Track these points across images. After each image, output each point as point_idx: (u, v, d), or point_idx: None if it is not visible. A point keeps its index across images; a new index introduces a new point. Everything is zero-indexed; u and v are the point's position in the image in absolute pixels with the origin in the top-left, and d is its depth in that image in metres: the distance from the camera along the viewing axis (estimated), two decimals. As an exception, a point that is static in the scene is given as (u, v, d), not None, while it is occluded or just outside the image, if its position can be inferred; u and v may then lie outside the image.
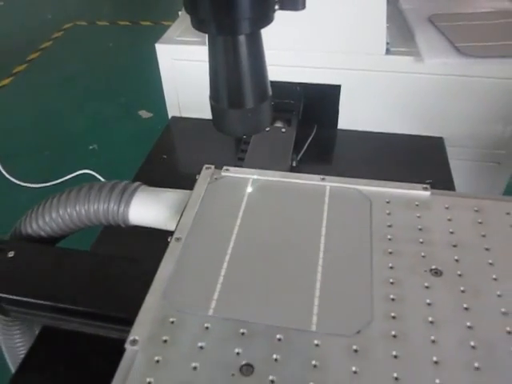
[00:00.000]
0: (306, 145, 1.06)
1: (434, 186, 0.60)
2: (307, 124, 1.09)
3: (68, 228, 0.64)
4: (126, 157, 2.00)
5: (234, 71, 0.46)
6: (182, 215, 0.57)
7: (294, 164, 0.93)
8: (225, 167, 0.64)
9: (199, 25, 0.43)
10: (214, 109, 0.50)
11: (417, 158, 1.05)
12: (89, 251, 0.79)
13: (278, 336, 0.45)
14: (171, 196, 0.61)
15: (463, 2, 1.31)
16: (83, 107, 2.66)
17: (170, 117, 1.24)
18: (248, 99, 0.47)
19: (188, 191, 0.62)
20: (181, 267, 0.52)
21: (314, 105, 1.12)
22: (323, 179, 0.62)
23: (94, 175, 2.01)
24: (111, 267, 0.59)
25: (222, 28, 0.43)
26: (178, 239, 0.55)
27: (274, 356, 0.43)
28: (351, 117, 1.13)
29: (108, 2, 4.31)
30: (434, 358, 0.43)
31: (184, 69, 1.16)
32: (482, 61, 1.01)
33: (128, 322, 0.47)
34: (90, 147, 2.33)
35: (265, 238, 0.55)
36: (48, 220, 0.64)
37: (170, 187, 0.66)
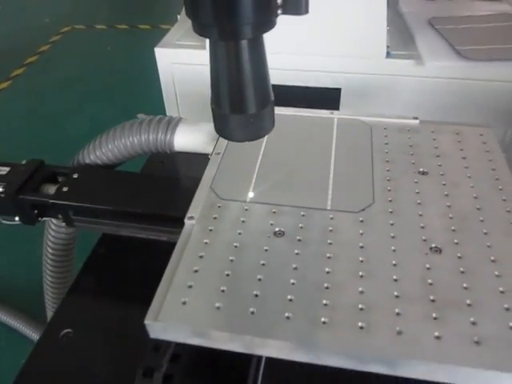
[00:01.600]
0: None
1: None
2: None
3: (122, 156, 0.77)
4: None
5: (236, 76, 0.45)
6: (218, 138, 0.71)
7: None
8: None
9: (201, 29, 0.42)
10: (215, 114, 0.49)
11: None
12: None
13: (301, 213, 0.59)
14: (208, 126, 0.75)
15: (463, 5, 1.32)
16: (81, 110, 2.66)
17: None
18: (250, 104, 0.46)
19: (221, 124, 0.75)
20: (222, 170, 0.65)
21: (315, 108, 1.16)
22: (332, 113, 0.76)
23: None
24: (162, 182, 0.72)
25: (224, 33, 0.41)
26: (217, 153, 0.68)
27: (300, 225, 0.57)
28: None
29: (106, 5, 4.34)
30: (421, 224, 0.56)
31: (183, 73, 1.17)
32: (482, 64, 1.04)
33: (178, 221, 0.59)
34: (89, 151, 2.35)
35: (287, 151, 0.69)
36: (105, 150, 0.77)
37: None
